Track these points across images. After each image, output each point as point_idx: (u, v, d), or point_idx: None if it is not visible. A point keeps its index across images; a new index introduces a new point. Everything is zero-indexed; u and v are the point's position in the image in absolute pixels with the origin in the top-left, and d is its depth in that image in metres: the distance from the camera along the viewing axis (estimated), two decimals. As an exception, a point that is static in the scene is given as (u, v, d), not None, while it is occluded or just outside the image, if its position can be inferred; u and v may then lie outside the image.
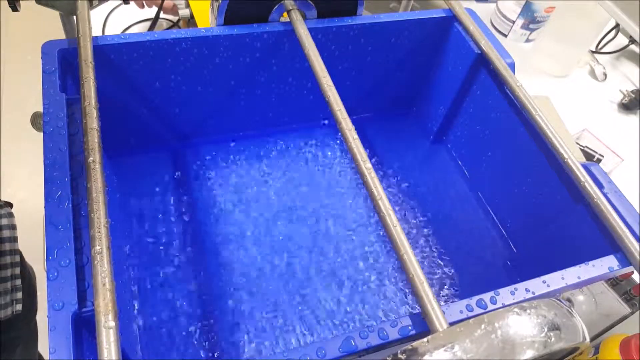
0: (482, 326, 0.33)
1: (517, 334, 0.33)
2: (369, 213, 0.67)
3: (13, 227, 0.62)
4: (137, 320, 0.54)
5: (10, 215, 0.63)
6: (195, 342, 0.54)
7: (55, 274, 0.38)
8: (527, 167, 0.61)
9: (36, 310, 0.69)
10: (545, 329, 0.34)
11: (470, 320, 0.34)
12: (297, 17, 0.58)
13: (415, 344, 0.33)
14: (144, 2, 0.84)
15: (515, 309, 0.34)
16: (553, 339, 0.33)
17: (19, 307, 0.61)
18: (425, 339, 0.33)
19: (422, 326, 0.39)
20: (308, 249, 0.63)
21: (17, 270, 0.61)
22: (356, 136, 0.48)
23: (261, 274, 0.60)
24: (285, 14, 0.60)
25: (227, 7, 0.57)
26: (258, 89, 0.67)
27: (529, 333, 0.33)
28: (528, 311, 0.34)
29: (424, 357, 0.32)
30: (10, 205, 0.64)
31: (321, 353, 0.37)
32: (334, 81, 0.53)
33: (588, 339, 0.36)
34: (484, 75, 0.65)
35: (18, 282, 0.61)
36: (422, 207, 0.69)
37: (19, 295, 0.61)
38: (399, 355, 0.33)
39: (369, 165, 0.46)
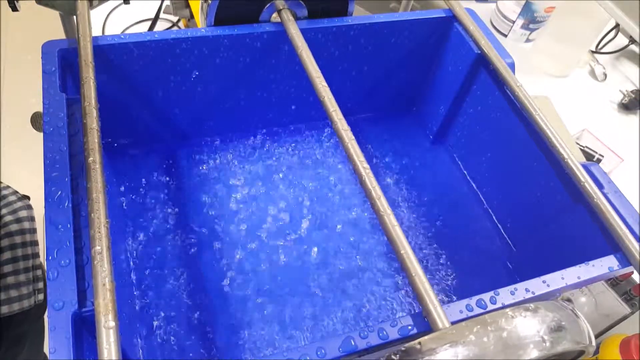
0: (474, 329, 0.33)
1: (513, 335, 0.33)
2: (369, 213, 0.67)
3: (32, 219, 0.63)
4: (137, 320, 0.54)
5: (29, 207, 0.64)
6: (195, 342, 0.54)
7: (55, 274, 0.38)
8: (527, 167, 0.61)
9: (46, 307, 0.70)
10: (544, 331, 0.34)
11: (463, 323, 0.34)
12: (288, 16, 0.58)
13: (407, 346, 0.33)
14: None
15: (509, 312, 0.34)
16: (554, 340, 0.33)
17: (40, 297, 0.62)
18: (416, 342, 0.33)
19: (422, 326, 0.39)
20: (307, 249, 0.63)
21: (38, 261, 0.62)
22: (352, 137, 0.48)
23: (261, 273, 0.60)
24: (275, 13, 0.60)
25: (217, 7, 0.57)
26: (258, 89, 0.67)
27: (527, 334, 0.33)
28: (524, 314, 0.34)
29: (425, 358, 0.32)
30: (28, 198, 0.66)
31: (321, 353, 0.37)
32: (333, 81, 0.53)
33: (594, 342, 0.36)
34: (484, 75, 0.65)
35: (39, 272, 0.62)
36: (421, 207, 0.69)
37: (41, 285, 0.62)
38: (392, 357, 0.33)
39: (366, 165, 0.46)
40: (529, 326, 0.34)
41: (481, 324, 0.33)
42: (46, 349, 0.75)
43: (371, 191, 0.44)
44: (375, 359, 0.35)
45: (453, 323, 0.37)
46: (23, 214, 0.62)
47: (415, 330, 0.39)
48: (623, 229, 0.47)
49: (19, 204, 0.62)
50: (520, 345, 0.32)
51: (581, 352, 0.36)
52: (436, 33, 0.68)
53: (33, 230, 0.63)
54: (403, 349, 0.33)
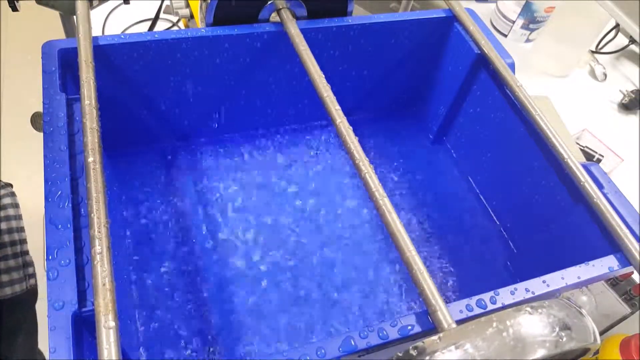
0: (493, 325, 0.33)
1: (528, 333, 0.33)
2: (370, 213, 0.67)
3: (16, 206, 0.64)
4: (137, 320, 0.54)
5: (13, 194, 0.64)
6: (195, 342, 0.54)
7: (55, 274, 0.38)
8: (527, 168, 0.61)
9: (37, 295, 0.70)
10: (557, 329, 0.34)
11: (482, 319, 0.34)
12: (287, 16, 0.58)
13: (426, 341, 0.33)
14: None
15: (527, 308, 0.34)
16: (565, 338, 0.33)
17: (32, 281, 0.62)
18: (436, 337, 0.33)
19: (422, 326, 0.39)
20: (308, 249, 0.63)
21: (26, 247, 0.63)
22: (354, 136, 0.48)
23: (262, 273, 0.60)
24: (274, 13, 0.60)
25: (216, 6, 0.57)
26: (258, 89, 0.67)
27: (540, 332, 0.33)
28: (539, 310, 0.34)
29: (435, 356, 0.32)
30: (10, 185, 0.66)
31: (321, 353, 0.37)
32: (333, 82, 0.53)
33: (599, 340, 0.36)
34: (484, 76, 0.65)
35: (28, 257, 0.62)
36: (422, 207, 0.69)
37: (31, 270, 0.63)
38: (411, 352, 0.33)
39: (368, 165, 0.46)
40: (545, 324, 0.34)
41: (499, 320, 0.33)
42: (45, 348, 0.76)
43: (373, 191, 0.44)
44: (391, 356, 0.34)
45: (458, 322, 0.37)
46: (7, 201, 0.62)
47: (415, 330, 0.39)
48: (623, 229, 0.47)
49: (2, 191, 0.62)
50: (536, 342, 0.33)
51: (586, 350, 0.36)
52: (436, 33, 0.68)
53: (18, 217, 0.63)
54: (421, 343, 0.33)
